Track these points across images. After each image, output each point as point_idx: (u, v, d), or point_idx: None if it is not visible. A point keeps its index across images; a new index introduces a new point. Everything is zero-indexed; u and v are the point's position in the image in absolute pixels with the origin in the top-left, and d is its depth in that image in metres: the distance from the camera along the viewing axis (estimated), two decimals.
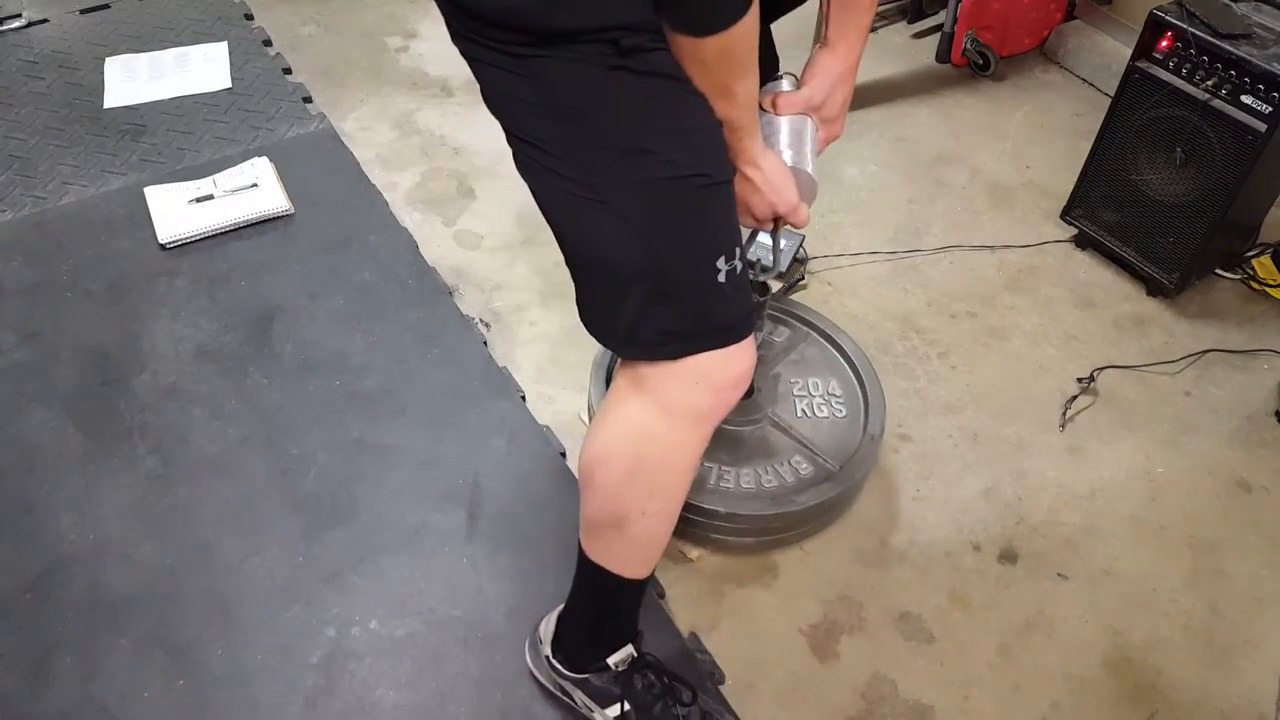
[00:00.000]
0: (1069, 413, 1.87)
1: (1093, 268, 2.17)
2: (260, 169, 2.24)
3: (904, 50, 2.80)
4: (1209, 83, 1.83)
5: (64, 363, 1.85)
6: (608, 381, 1.68)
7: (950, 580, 1.61)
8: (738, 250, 1.04)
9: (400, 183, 2.29)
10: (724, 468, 1.58)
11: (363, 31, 2.76)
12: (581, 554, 1.23)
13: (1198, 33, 1.83)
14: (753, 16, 0.93)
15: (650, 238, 1.00)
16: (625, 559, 1.21)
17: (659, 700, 1.31)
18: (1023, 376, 1.94)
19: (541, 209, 1.05)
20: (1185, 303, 2.10)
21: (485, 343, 1.92)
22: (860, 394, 1.68)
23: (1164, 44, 1.89)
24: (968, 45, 2.62)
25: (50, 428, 1.73)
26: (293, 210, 2.16)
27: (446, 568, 1.57)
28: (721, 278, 1.02)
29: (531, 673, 1.41)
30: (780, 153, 1.27)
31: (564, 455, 1.74)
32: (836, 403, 1.67)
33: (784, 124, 1.31)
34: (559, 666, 1.35)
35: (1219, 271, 2.14)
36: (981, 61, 2.65)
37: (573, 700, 1.36)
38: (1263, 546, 1.68)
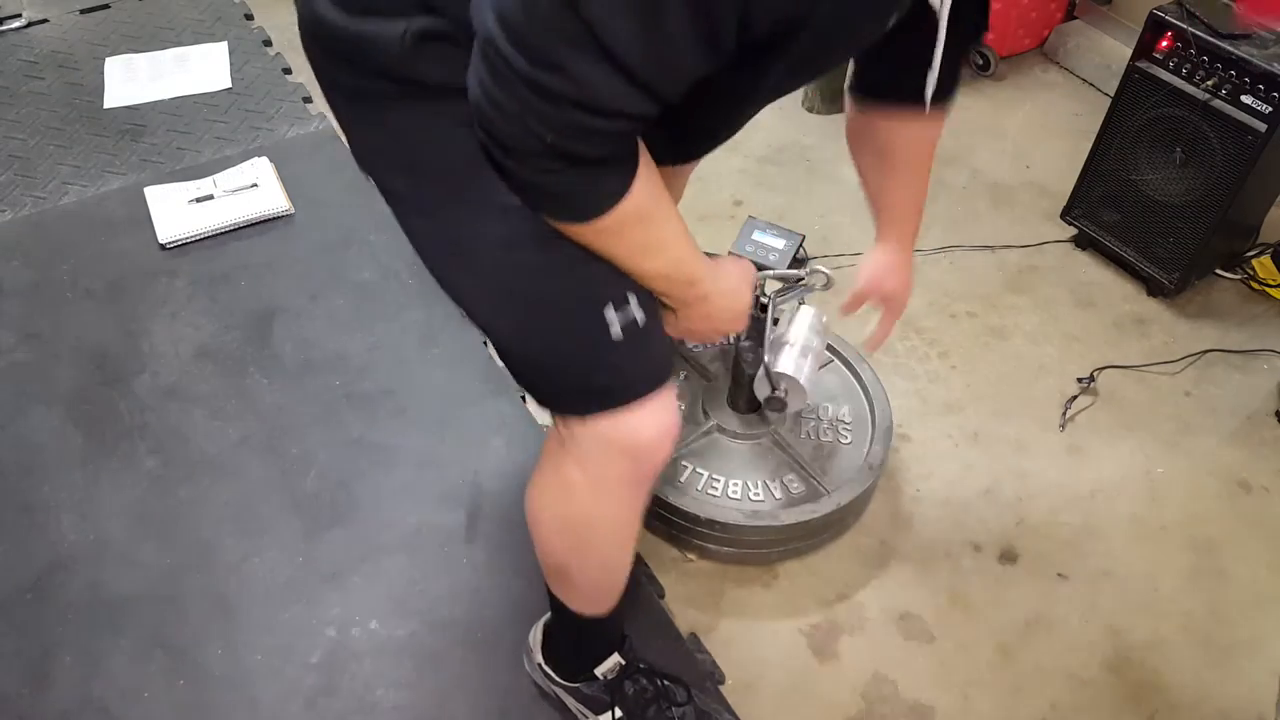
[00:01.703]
0: (1069, 413, 1.87)
1: (1093, 268, 2.17)
2: (260, 169, 2.24)
3: None
4: (1209, 83, 1.83)
5: (64, 363, 1.85)
6: None
7: (950, 580, 1.61)
8: (631, 296, 0.93)
9: None
10: (714, 476, 1.57)
11: None
12: (546, 585, 1.24)
13: (1198, 33, 1.83)
14: (644, 187, 0.83)
15: (515, 296, 0.93)
16: (579, 601, 1.21)
17: (651, 704, 1.31)
18: (1023, 376, 1.94)
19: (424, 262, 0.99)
20: (1185, 303, 2.10)
21: (485, 343, 1.92)
22: (870, 424, 1.65)
23: (1164, 44, 1.89)
24: None
25: (50, 428, 1.74)
26: (293, 210, 2.16)
27: (446, 568, 1.57)
28: (615, 331, 0.92)
29: (529, 675, 1.42)
30: (785, 353, 1.42)
31: None
32: (844, 429, 1.65)
33: (799, 332, 1.44)
34: (551, 673, 1.35)
35: (1219, 271, 2.14)
36: (981, 61, 2.65)
37: (566, 705, 1.36)
38: (1263, 546, 1.68)
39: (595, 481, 1.02)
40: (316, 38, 0.90)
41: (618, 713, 1.30)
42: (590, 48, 0.69)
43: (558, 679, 1.34)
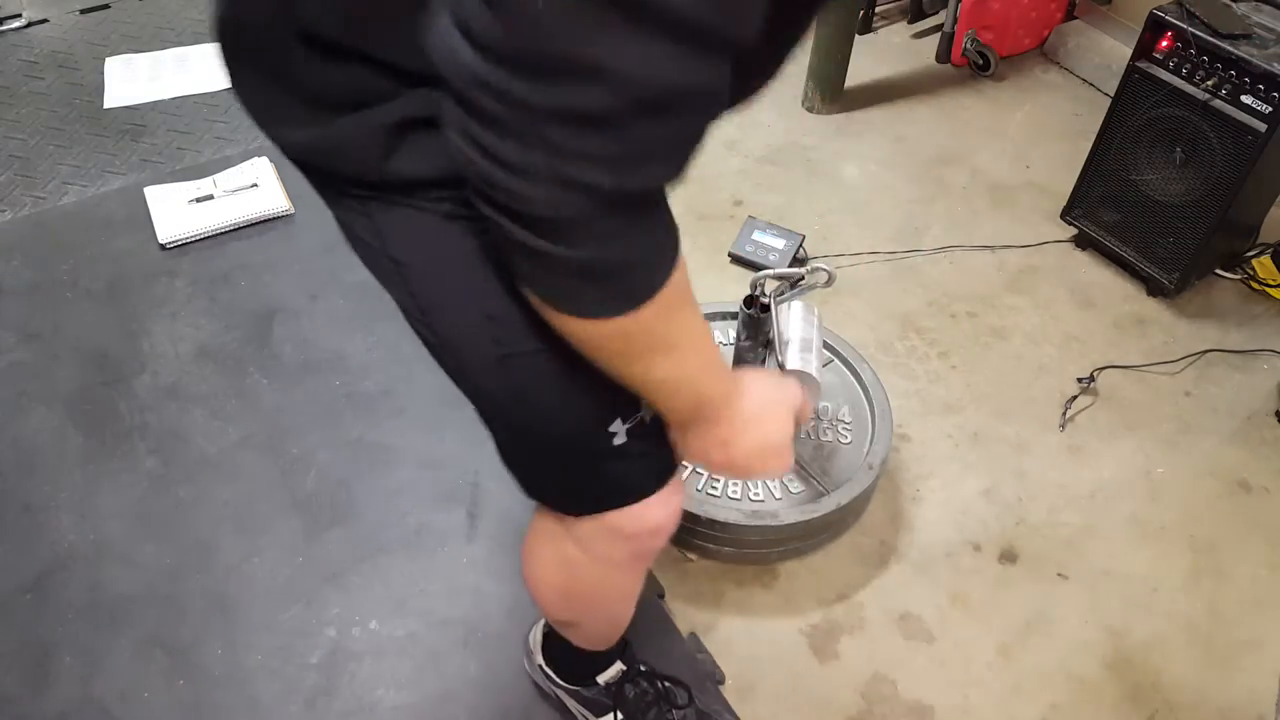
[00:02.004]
0: (1069, 413, 1.87)
1: (1093, 268, 2.17)
2: (260, 169, 2.24)
3: (904, 50, 2.80)
4: (1209, 83, 1.83)
5: (64, 363, 1.85)
6: None
7: (950, 580, 1.61)
8: (639, 403, 0.83)
9: None
10: (713, 476, 1.57)
11: None
12: None
13: (1198, 33, 1.83)
14: (681, 268, 0.68)
15: (515, 413, 0.84)
16: (584, 643, 1.21)
17: (652, 707, 1.31)
18: (1023, 376, 1.94)
19: None
20: (1185, 303, 2.09)
21: None
22: (870, 424, 1.65)
23: (1164, 44, 1.89)
24: (968, 45, 2.62)
25: (50, 428, 1.73)
26: (293, 210, 2.16)
27: (446, 568, 1.57)
28: (619, 440, 0.83)
29: (529, 675, 1.42)
30: (790, 350, 1.38)
31: None
32: (843, 428, 1.65)
33: (795, 327, 1.43)
34: (551, 674, 1.35)
35: (1219, 271, 2.14)
36: (981, 61, 2.65)
37: (567, 707, 1.36)
38: (1263, 546, 1.68)
39: (598, 560, 0.98)
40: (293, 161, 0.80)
41: (619, 716, 1.30)
42: (633, 12, 0.48)
43: (559, 680, 1.34)
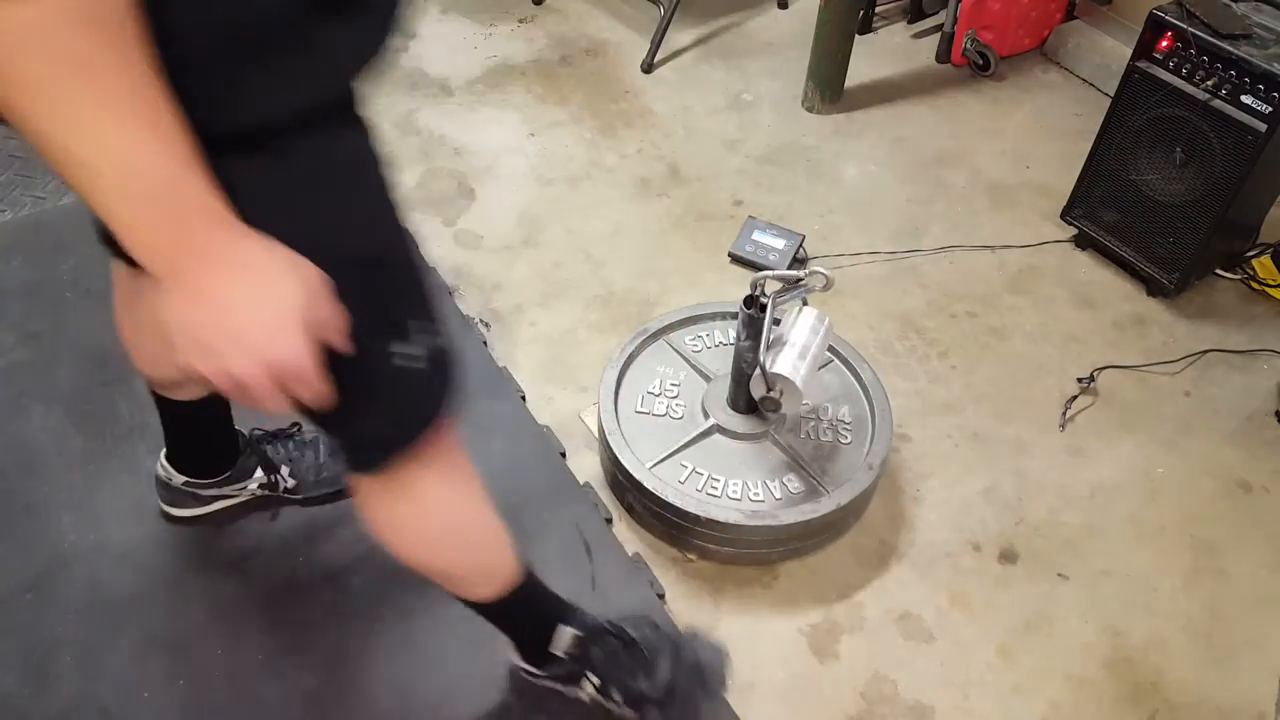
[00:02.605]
0: (1069, 413, 1.87)
1: (1093, 268, 2.17)
2: None
3: (904, 50, 2.80)
4: (1209, 83, 1.83)
5: (64, 363, 1.84)
6: (617, 388, 1.68)
7: (950, 580, 1.61)
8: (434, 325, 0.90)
9: (400, 183, 2.28)
10: (714, 476, 1.57)
11: None
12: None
13: (1198, 33, 1.83)
14: None
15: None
16: (483, 589, 1.20)
17: (619, 657, 1.31)
18: (1023, 376, 1.94)
19: None
20: (1185, 303, 2.10)
21: (485, 343, 1.92)
22: (870, 424, 1.65)
23: (1164, 44, 1.89)
24: (968, 45, 2.62)
25: (50, 428, 1.73)
26: None
27: None
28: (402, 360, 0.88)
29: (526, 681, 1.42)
30: (784, 354, 1.42)
31: (564, 455, 1.74)
32: (843, 429, 1.65)
33: (800, 334, 1.43)
34: (529, 669, 1.35)
35: (1219, 271, 2.14)
36: (981, 61, 2.65)
37: (561, 692, 1.36)
38: (1263, 546, 1.68)
39: (424, 481, 1.01)
40: None
41: (594, 679, 1.30)
42: None
43: (537, 672, 1.34)
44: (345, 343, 0.78)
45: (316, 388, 0.75)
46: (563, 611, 1.30)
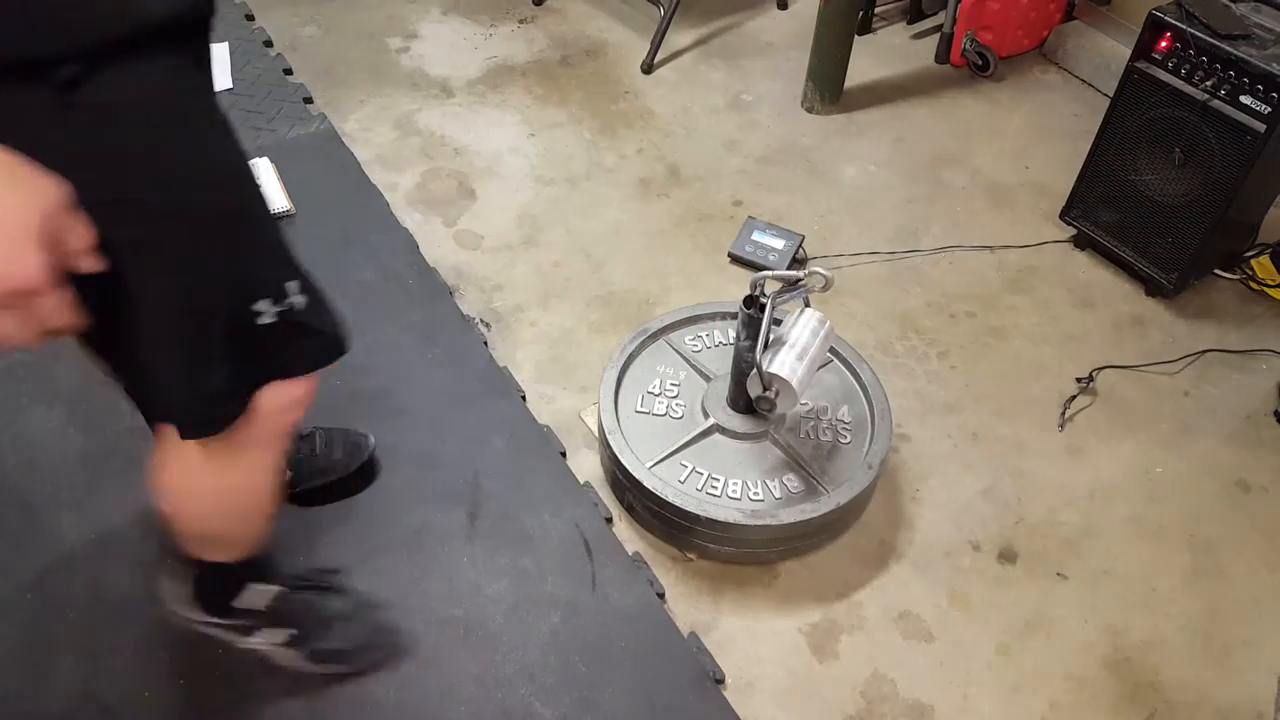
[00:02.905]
0: (1068, 413, 1.87)
1: (1092, 268, 2.17)
2: (261, 169, 2.24)
3: (904, 51, 2.80)
4: (1208, 83, 1.83)
5: (64, 363, 1.85)
6: (617, 388, 1.68)
7: (950, 580, 1.61)
8: (285, 286, 0.92)
9: (401, 183, 2.29)
10: (714, 475, 1.57)
11: (363, 32, 2.77)
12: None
13: (1197, 33, 1.83)
14: None
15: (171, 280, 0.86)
16: (229, 553, 1.20)
17: (310, 613, 1.33)
18: (1022, 376, 1.94)
19: None
20: (1184, 303, 2.10)
21: (485, 343, 1.93)
22: (869, 424, 1.65)
23: (1163, 44, 1.89)
24: (967, 46, 2.63)
25: (50, 428, 1.74)
26: (293, 210, 2.16)
27: (446, 568, 1.57)
28: (266, 319, 0.91)
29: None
30: (782, 354, 1.42)
31: (564, 455, 1.74)
32: (843, 429, 1.65)
33: (800, 335, 1.45)
34: (200, 616, 1.30)
35: (1218, 271, 2.14)
36: (981, 62, 2.65)
37: (229, 640, 1.33)
38: (1262, 546, 1.68)
39: (238, 447, 1.00)
40: None
41: (283, 634, 1.32)
42: None
43: (209, 619, 1.30)
44: (92, 263, 0.75)
45: (60, 311, 0.72)
46: (260, 569, 1.29)
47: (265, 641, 1.32)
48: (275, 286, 0.91)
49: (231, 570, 1.24)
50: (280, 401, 0.98)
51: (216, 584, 1.27)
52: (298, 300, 0.92)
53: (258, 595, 1.28)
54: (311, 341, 0.98)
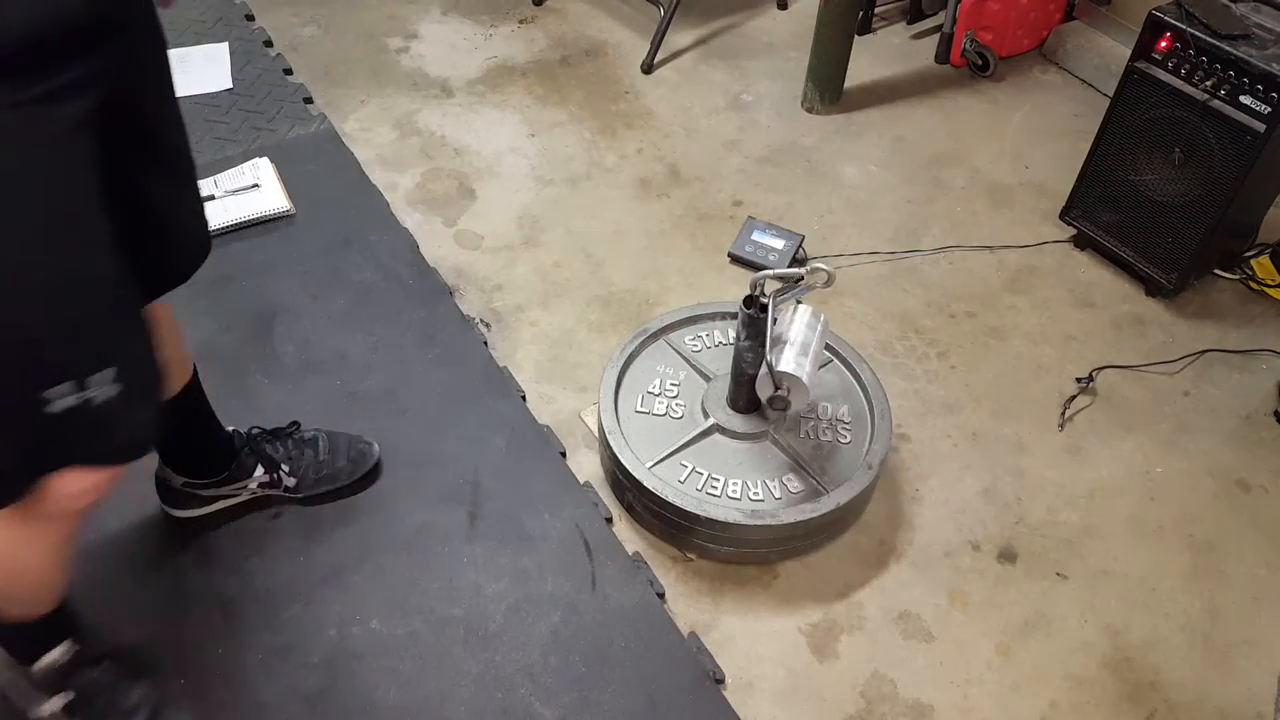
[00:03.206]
0: (1068, 413, 1.87)
1: (1091, 268, 2.17)
2: (261, 169, 2.24)
3: (904, 51, 2.80)
4: (1208, 83, 1.83)
5: None
6: (617, 388, 1.68)
7: (950, 580, 1.61)
8: (86, 379, 0.88)
9: (401, 183, 2.29)
10: (714, 475, 1.57)
11: (363, 32, 2.77)
12: None
13: (1196, 33, 1.83)
14: None
15: None
16: (18, 612, 1.18)
17: (100, 687, 1.30)
18: (1022, 376, 1.94)
19: None
20: (1184, 303, 2.10)
21: (485, 343, 1.93)
22: (869, 424, 1.65)
23: (1163, 44, 1.89)
24: (967, 46, 2.63)
25: None
26: (294, 211, 2.16)
27: (446, 567, 1.57)
28: (58, 406, 0.87)
29: None
30: (786, 352, 1.43)
31: (564, 455, 1.74)
32: (843, 428, 1.65)
33: (798, 331, 1.46)
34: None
35: (1218, 271, 2.15)
36: (981, 62, 2.65)
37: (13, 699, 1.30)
38: (1262, 546, 1.68)
39: (26, 520, 0.99)
40: None
41: (66, 699, 1.28)
42: None
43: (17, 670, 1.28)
44: None
45: None
46: (66, 633, 1.27)
47: (48, 708, 1.29)
48: (74, 374, 0.87)
49: (31, 629, 1.23)
50: (70, 488, 0.96)
51: (13, 643, 1.26)
52: (105, 391, 0.88)
53: (54, 659, 1.27)
54: (117, 434, 0.95)
